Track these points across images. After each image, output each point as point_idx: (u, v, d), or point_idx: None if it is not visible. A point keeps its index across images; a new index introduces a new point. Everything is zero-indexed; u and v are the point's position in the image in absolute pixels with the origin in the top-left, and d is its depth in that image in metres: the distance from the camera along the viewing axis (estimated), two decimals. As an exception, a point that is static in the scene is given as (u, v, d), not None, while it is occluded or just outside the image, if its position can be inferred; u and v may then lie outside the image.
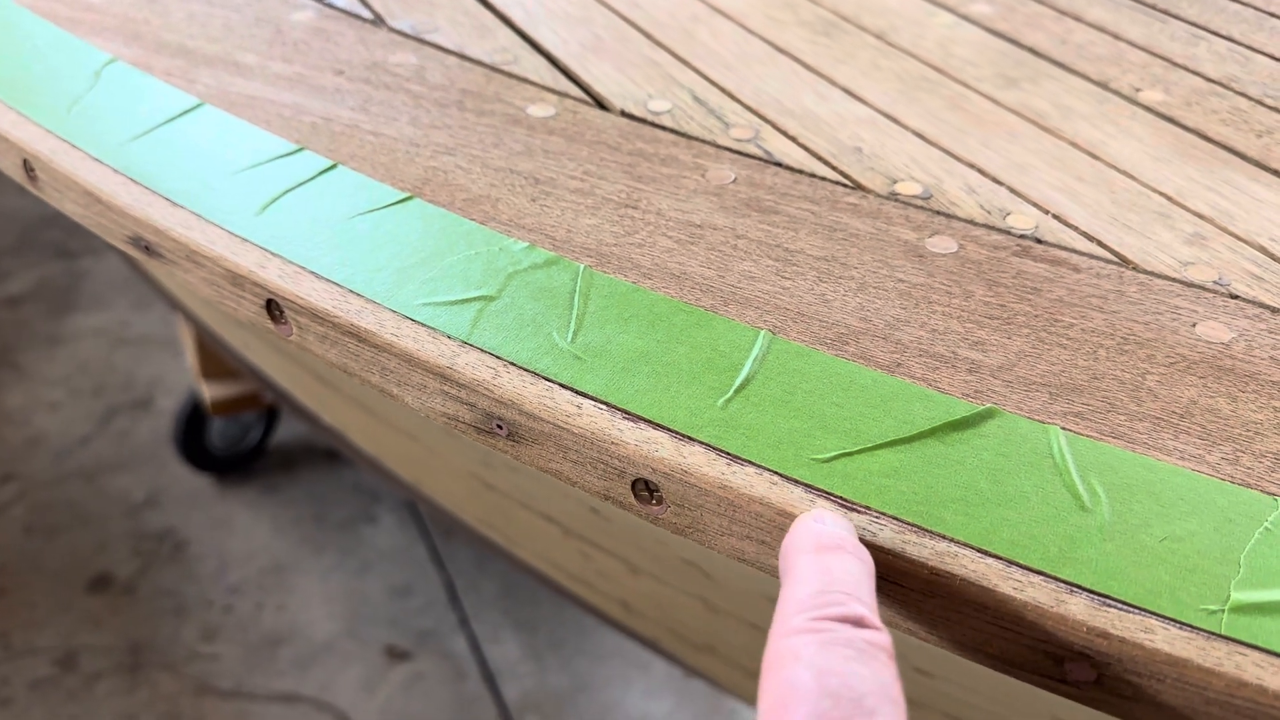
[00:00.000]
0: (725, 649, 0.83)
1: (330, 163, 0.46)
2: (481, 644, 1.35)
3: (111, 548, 1.41)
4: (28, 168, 0.48)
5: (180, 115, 0.49)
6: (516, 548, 0.97)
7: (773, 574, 0.34)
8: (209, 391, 1.39)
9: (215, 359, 1.38)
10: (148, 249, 0.44)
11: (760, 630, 0.72)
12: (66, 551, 1.40)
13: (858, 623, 0.27)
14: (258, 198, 0.44)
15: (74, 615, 1.33)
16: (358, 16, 0.59)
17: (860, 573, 0.29)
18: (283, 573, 1.41)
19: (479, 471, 0.83)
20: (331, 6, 0.59)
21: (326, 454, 1.56)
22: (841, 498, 0.33)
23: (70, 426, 1.56)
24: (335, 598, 1.38)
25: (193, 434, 1.46)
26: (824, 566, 0.29)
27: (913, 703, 0.67)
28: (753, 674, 0.82)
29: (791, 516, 0.33)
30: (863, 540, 0.32)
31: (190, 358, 1.42)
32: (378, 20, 0.59)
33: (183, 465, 1.50)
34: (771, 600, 0.68)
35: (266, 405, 1.46)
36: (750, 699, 0.90)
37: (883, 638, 0.27)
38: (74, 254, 1.89)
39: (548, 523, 0.83)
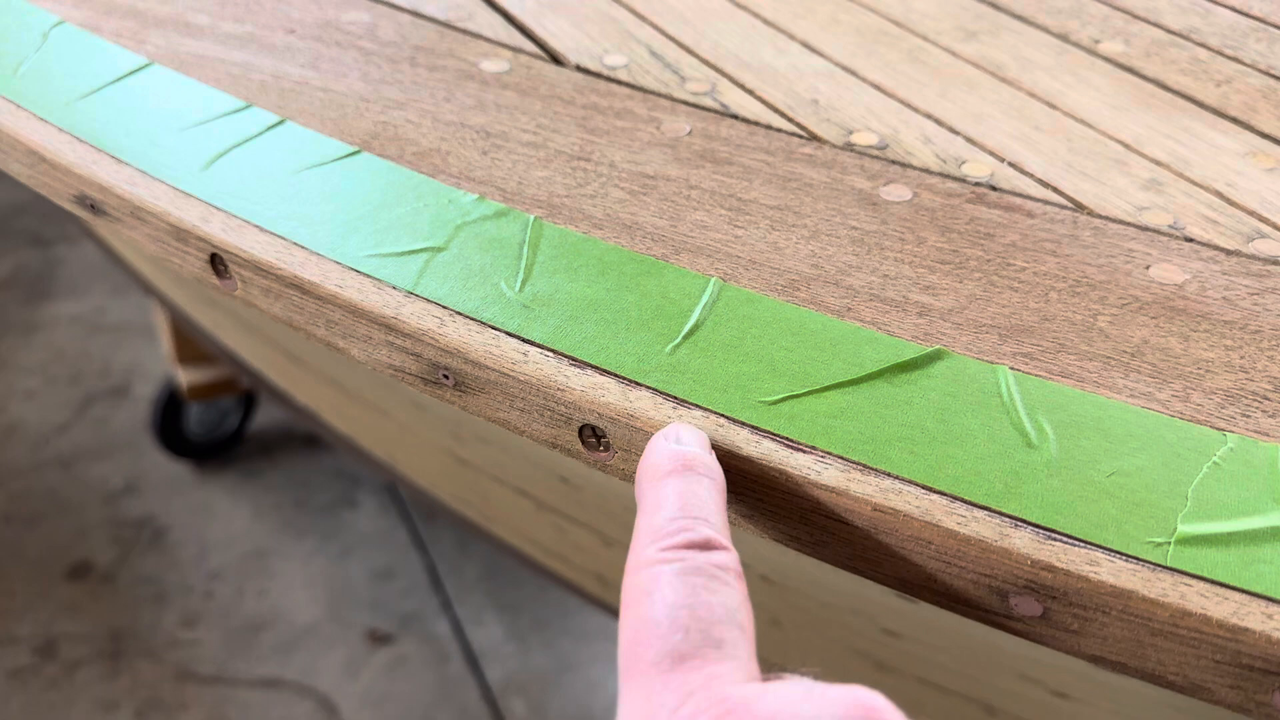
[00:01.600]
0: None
1: (278, 118, 0.45)
2: (464, 626, 1.34)
3: (90, 535, 1.40)
4: (-28, 129, 0.47)
5: (128, 75, 0.48)
6: (493, 525, 0.97)
7: (720, 516, 0.34)
8: (185, 377, 1.38)
9: (190, 344, 1.37)
10: (93, 207, 0.43)
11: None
12: (45, 540, 1.39)
13: (705, 546, 0.28)
14: (203, 154, 0.43)
15: (53, 603, 1.32)
16: (311, -23, 0.58)
17: (709, 492, 0.30)
18: (264, 558, 1.40)
19: (450, 446, 0.82)
20: (285, -32, 0.59)
21: (306, 439, 1.55)
22: (787, 438, 0.33)
23: (47, 414, 1.55)
24: (317, 582, 1.38)
25: (170, 420, 1.46)
26: (672, 491, 0.30)
27: (883, 667, 0.67)
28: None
29: (740, 459, 0.32)
30: (807, 480, 0.32)
31: (165, 343, 1.41)
32: (332, -20, 0.58)
33: (161, 452, 1.49)
34: (743, 565, 0.68)
35: (244, 390, 1.45)
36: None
37: (729, 558, 0.28)
38: (49, 241, 1.87)
39: (521, 496, 0.83)
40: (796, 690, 0.24)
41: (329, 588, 1.37)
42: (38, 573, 1.35)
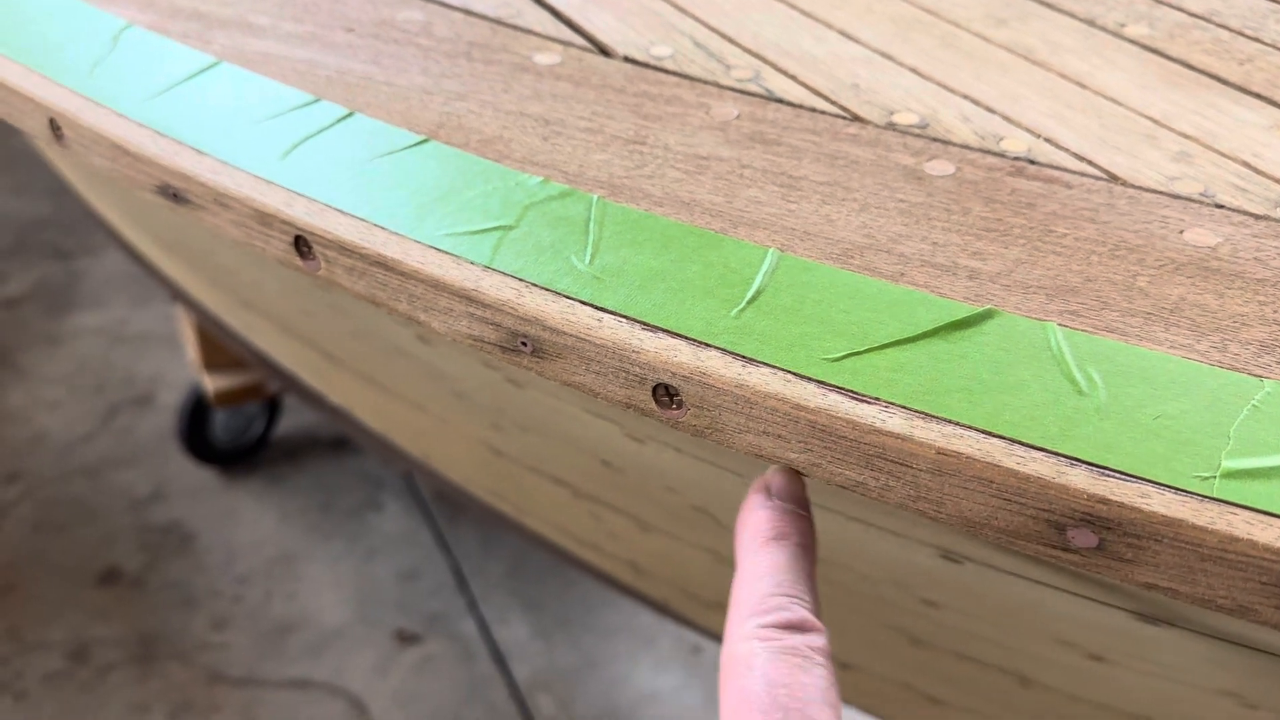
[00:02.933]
0: (735, 604, 0.84)
1: (347, 110, 0.48)
2: (490, 625, 1.36)
3: (119, 542, 1.42)
4: (54, 126, 0.49)
5: (199, 73, 0.51)
6: (525, 517, 0.99)
7: (790, 466, 0.36)
8: (211, 383, 1.40)
9: (217, 349, 1.39)
10: (176, 195, 0.45)
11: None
12: (74, 547, 1.41)
13: (799, 627, 0.32)
14: (279, 144, 0.46)
15: (84, 609, 1.34)
16: (364, -21, 0.60)
17: (802, 564, 0.34)
18: (291, 561, 1.42)
19: (488, 437, 0.84)
20: (337, -29, 0.61)
21: (331, 443, 1.57)
22: (852, 391, 0.35)
23: (73, 424, 1.58)
24: (344, 584, 1.40)
25: (196, 427, 1.48)
26: (769, 564, 0.34)
27: (918, 642, 0.69)
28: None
29: (806, 411, 0.35)
30: (873, 428, 0.34)
31: (191, 350, 1.43)
32: (384, -18, 0.60)
33: (186, 459, 1.51)
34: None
35: (269, 396, 1.47)
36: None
37: (820, 639, 0.32)
38: (70, 254, 1.90)
39: (557, 485, 0.85)
40: None
41: (356, 589, 1.39)
42: (68, 579, 1.37)
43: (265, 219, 0.43)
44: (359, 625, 1.35)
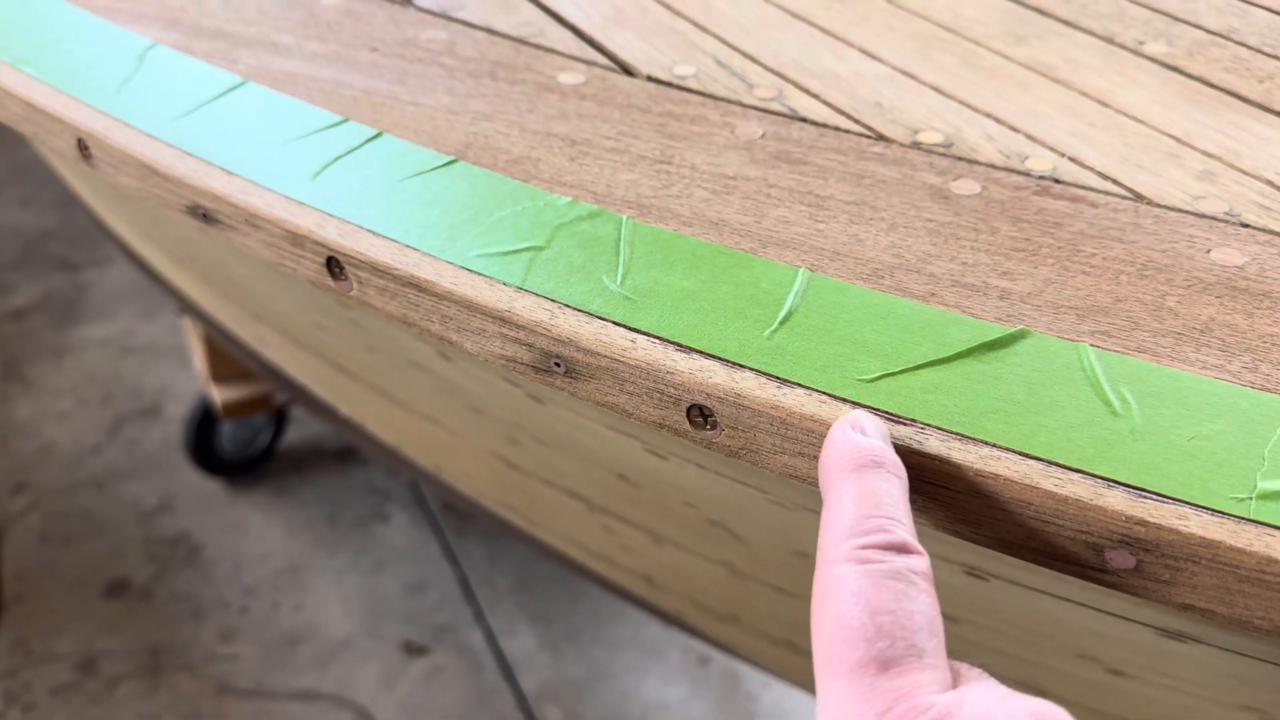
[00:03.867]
0: (750, 617, 0.85)
1: (375, 131, 0.48)
2: (498, 636, 1.36)
3: (127, 553, 1.42)
4: (81, 146, 0.49)
5: (226, 92, 0.51)
6: (537, 529, 0.99)
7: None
8: (219, 395, 1.40)
9: (225, 361, 1.39)
10: (205, 216, 0.46)
11: (786, 594, 0.74)
12: (82, 558, 1.41)
13: (902, 549, 0.29)
14: (310, 165, 0.46)
15: (92, 621, 1.34)
16: (386, -2, 0.61)
17: (899, 492, 0.31)
18: (298, 573, 1.42)
19: (503, 450, 0.84)
20: (359, -11, 0.62)
21: (337, 454, 1.57)
22: (888, 412, 0.35)
23: (80, 436, 1.57)
24: (351, 596, 1.40)
25: (203, 438, 1.48)
26: (865, 488, 0.30)
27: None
28: (777, 642, 0.84)
29: (842, 432, 0.35)
30: (910, 449, 0.34)
31: (199, 361, 1.43)
32: (405, 0, 0.61)
33: (194, 470, 1.51)
34: (800, 556, 0.70)
35: (276, 407, 1.47)
36: (774, 668, 0.92)
37: (924, 563, 0.29)
38: (77, 266, 1.90)
39: (572, 498, 0.85)
40: (991, 698, 0.26)
41: (363, 601, 1.39)
42: (76, 591, 1.37)
43: (298, 240, 0.43)
44: (366, 637, 1.35)
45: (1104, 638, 0.53)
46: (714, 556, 0.77)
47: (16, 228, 1.98)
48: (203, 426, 1.47)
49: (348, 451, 1.57)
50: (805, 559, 0.66)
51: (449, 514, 1.51)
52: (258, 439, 1.53)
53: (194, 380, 1.60)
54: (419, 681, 1.31)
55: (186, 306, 1.25)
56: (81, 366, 1.69)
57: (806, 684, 0.89)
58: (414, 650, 1.34)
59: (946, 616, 0.62)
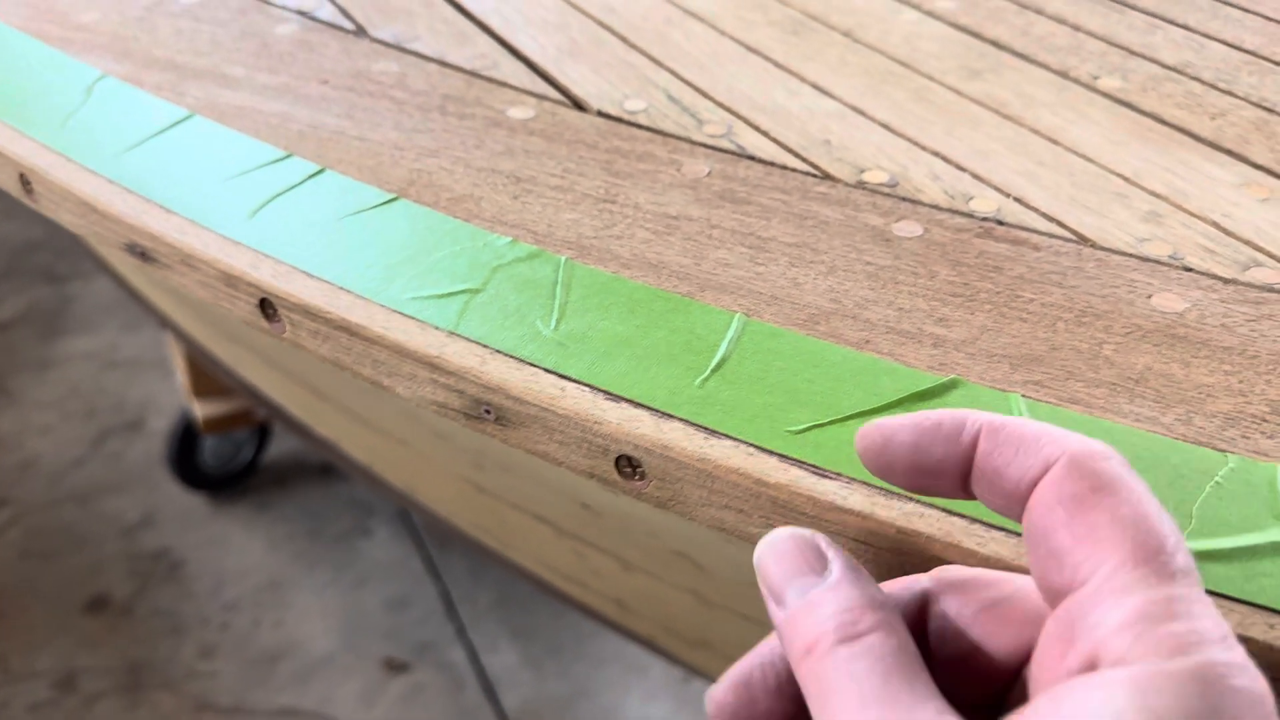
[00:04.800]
0: (720, 643, 0.84)
1: (318, 167, 0.47)
2: (479, 653, 1.36)
3: (107, 569, 1.42)
4: (24, 181, 0.49)
5: (172, 126, 0.51)
6: (511, 551, 0.99)
7: (751, 541, 0.36)
8: (200, 410, 1.40)
9: (206, 377, 1.39)
10: (144, 255, 0.45)
11: (753, 622, 0.74)
12: (62, 574, 1.41)
13: None
14: (249, 202, 0.46)
15: (72, 637, 1.34)
16: (340, 28, 0.60)
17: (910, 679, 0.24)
18: (279, 589, 1.41)
19: (470, 475, 0.84)
20: (314, 19, 0.61)
21: (319, 470, 1.57)
22: (814, 465, 0.35)
23: (63, 449, 1.57)
24: (332, 612, 1.39)
25: (185, 453, 1.47)
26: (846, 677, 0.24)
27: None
28: (747, 667, 0.84)
29: (767, 486, 0.34)
30: (833, 505, 0.34)
31: (181, 377, 1.43)
32: (360, 31, 0.60)
33: (176, 485, 1.51)
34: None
35: (258, 422, 1.47)
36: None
37: None
38: (62, 278, 1.90)
39: (540, 523, 0.84)
40: None
41: (344, 617, 1.38)
42: (56, 607, 1.37)
43: (231, 280, 0.42)
44: (347, 654, 1.35)
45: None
46: (681, 584, 0.77)
47: (2, 239, 1.98)
48: (185, 441, 1.47)
49: (330, 467, 1.57)
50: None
51: (432, 529, 1.50)
52: (240, 454, 1.52)
53: (177, 394, 1.60)
54: (399, 699, 1.31)
55: (165, 323, 1.25)
56: (65, 379, 1.69)
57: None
58: (395, 667, 1.34)
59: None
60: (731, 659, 0.88)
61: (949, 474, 0.27)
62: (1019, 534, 0.32)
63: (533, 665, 1.35)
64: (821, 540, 0.27)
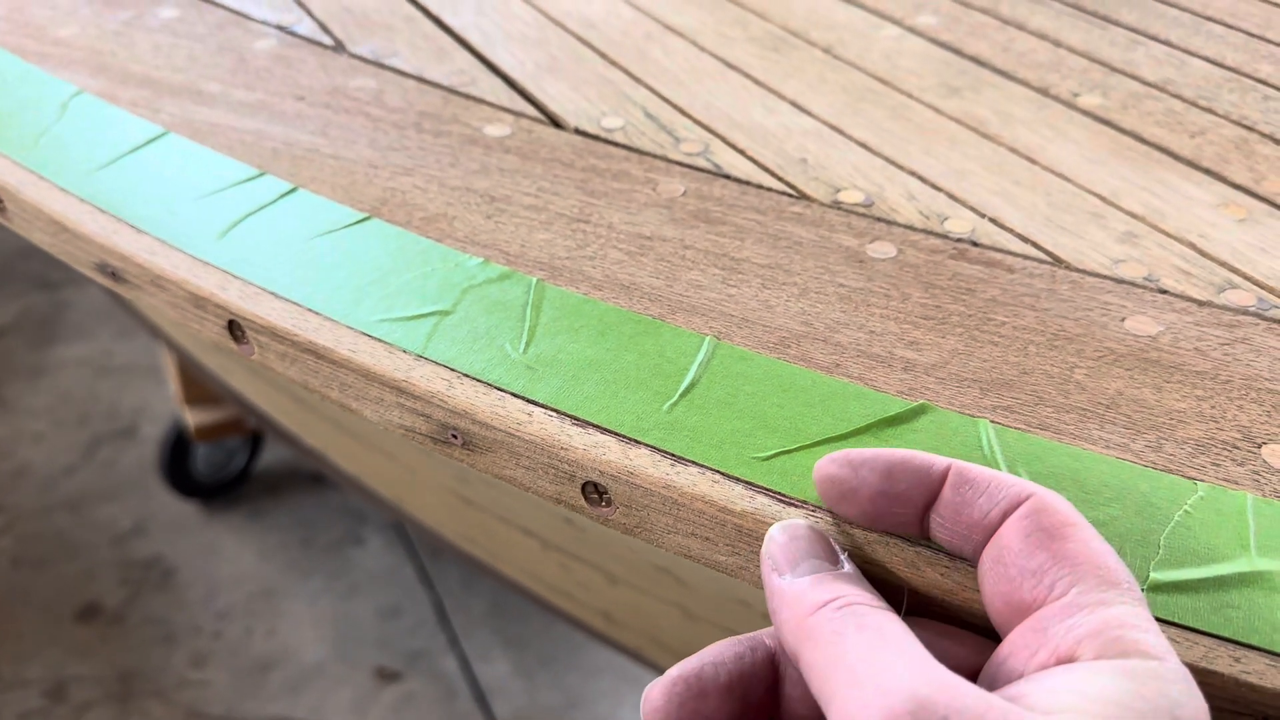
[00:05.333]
0: (704, 656, 0.84)
1: (291, 186, 0.47)
2: (472, 663, 1.35)
3: (99, 577, 1.42)
4: (-3, 199, 0.49)
5: (145, 144, 0.50)
6: (499, 563, 0.98)
7: (717, 569, 0.35)
8: (192, 418, 1.40)
9: (198, 385, 1.39)
10: (114, 275, 0.45)
11: (736, 635, 0.73)
12: (54, 582, 1.41)
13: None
14: (220, 222, 0.45)
15: (63, 646, 1.33)
16: (319, 43, 0.60)
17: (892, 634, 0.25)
18: (271, 597, 1.41)
19: (457, 488, 0.84)
20: (294, 34, 0.61)
21: (312, 478, 1.57)
22: (780, 493, 0.34)
23: (55, 457, 1.57)
24: (324, 621, 1.39)
25: (178, 461, 1.47)
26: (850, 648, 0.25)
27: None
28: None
29: (732, 514, 0.34)
30: (800, 533, 0.33)
31: (173, 385, 1.43)
32: (339, 46, 0.60)
33: (169, 493, 1.50)
34: (742, 605, 0.69)
35: (250, 430, 1.47)
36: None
37: None
38: (55, 285, 1.90)
39: (526, 536, 0.84)
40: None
41: (336, 626, 1.38)
42: (47, 615, 1.37)
43: (200, 302, 0.42)
44: (339, 663, 1.34)
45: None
46: (666, 598, 0.76)
47: (-4, 246, 1.98)
48: (177, 449, 1.46)
49: (323, 475, 1.57)
50: (747, 607, 0.65)
51: (424, 539, 1.50)
52: (232, 462, 1.52)
53: (170, 402, 1.60)
54: (391, 708, 1.30)
55: (155, 332, 1.25)
56: (58, 387, 1.69)
57: None
58: (387, 676, 1.33)
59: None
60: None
61: (913, 504, 0.30)
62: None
63: (525, 675, 1.35)
64: (836, 543, 0.30)
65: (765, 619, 0.68)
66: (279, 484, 1.57)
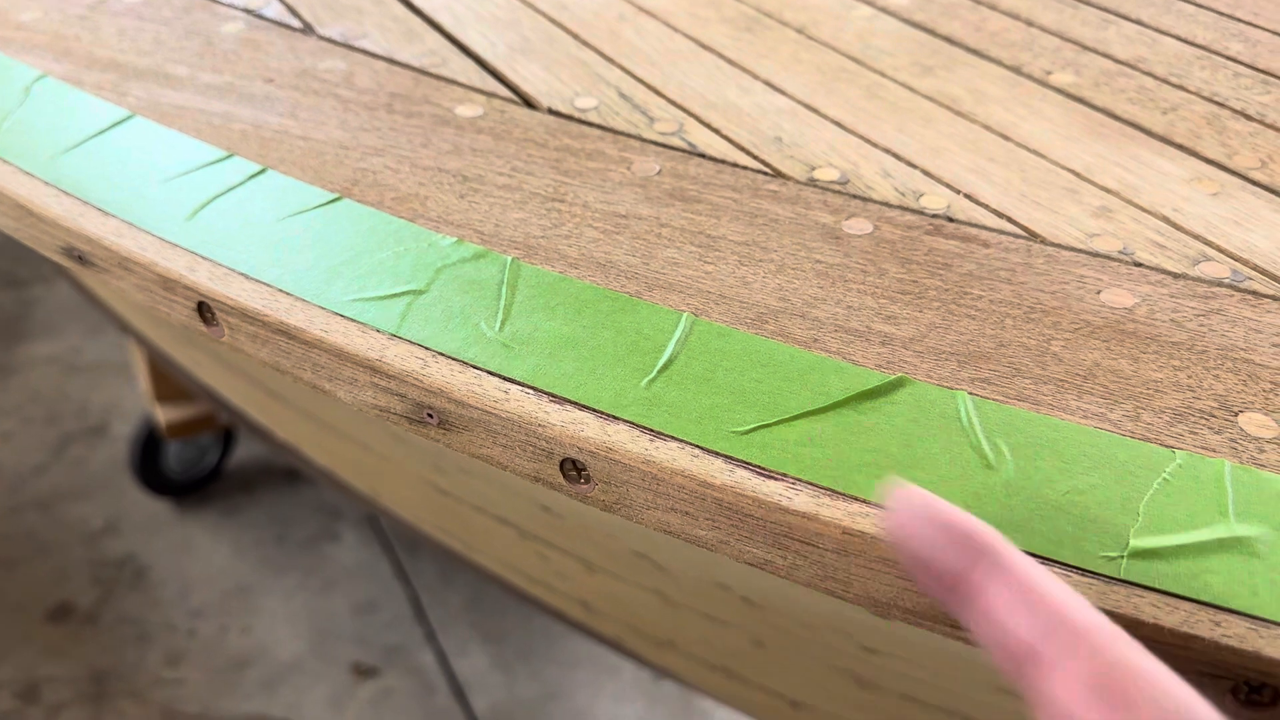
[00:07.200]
0: (685, 643, 0.84)
1: (260, 167, 0.46)
2: (449, 657, 1.34)
3: (71, 577, 1.40)
4: (-42, 184, 0.48)
5: (111, 127, 0.50)
6: (476, 554, 0.98)
7: (697, 544, 0.35)
8: (163, 414, 1.38)
9: (168, 381, 1.37)
10: (81, 259, 0.44)
11: (717, 622, 0.73)
12: (25, 582, 1.39)
13: None
14: (188, 204, 0.45)
15: (35, 646, 1.31)
16: (287, 26, 0.59)
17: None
18: (246, 594, 1.40)
19: (431, 477, 0.83)
20: (261, 17, 0.60)
21: (286, 474, 1.55)
22: (759, 467, 0.34)
23: (24, 456, 1.55)
24: (300, 617, 1.38)
25: (149, 459, 1.45)
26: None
27: (864, 684, 0.69)
28: (713, 667, 0.83)
29: (712, 488, 0.34)
30: (779, 507, 0.33)
31: (143, 381, 1.41)
32: (307, 29, 0.59)
33: (141, 491, 1.49)
34: (721, 588, 0.69)
35: (222, 426, 1.45)
36: (713, 692, 0.91)
37: None
38: (24, 282, 1.87)
39: (503, 525, 0.84)
40: None
41: (312, 622, 1.37)
42: (18, 616, 1.35)
43: (169, 284, 0.41)
44: (315, 659, 1.33)
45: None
46: (644, 585, 0.76)
47: (-38, 243, 1.95)
48: (149, 446, 1.45)
49: (297, 471, 1.55)
50: (726, 590, 0.65)
51: (400, 533, 1.49)
52: (205, 458, 1.51)
53: (141, 399, 1.58)
54: (368, 704, 1.29)
55: (124, 327, 1.23)
56: (27, 385, 1.67)
57: (743, 708, 0.89)
58: (364, 672, 1.32)
59: (867, 649, 0.62)
60: (698, 659, 0.87)
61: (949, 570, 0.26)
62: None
63: (503, 668, 1.34)
64: None
65: (743, 602, 0.67)
66: (253, 480, 1.55)
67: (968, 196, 0.46)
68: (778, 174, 0.48)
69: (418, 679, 1.32)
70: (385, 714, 1.29)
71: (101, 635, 1.34)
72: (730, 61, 0.58)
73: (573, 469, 0.36)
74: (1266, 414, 0.36)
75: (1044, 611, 0.24)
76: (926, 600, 0.32)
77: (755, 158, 0.49)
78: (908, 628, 0.53)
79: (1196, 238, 0.45)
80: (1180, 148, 0.51)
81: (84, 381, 1.68)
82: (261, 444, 1.26)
